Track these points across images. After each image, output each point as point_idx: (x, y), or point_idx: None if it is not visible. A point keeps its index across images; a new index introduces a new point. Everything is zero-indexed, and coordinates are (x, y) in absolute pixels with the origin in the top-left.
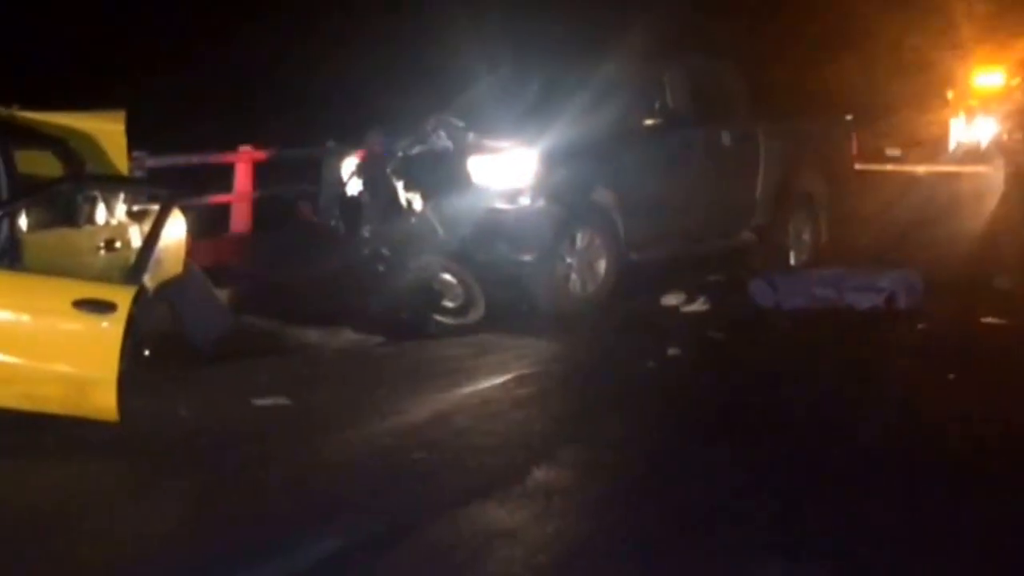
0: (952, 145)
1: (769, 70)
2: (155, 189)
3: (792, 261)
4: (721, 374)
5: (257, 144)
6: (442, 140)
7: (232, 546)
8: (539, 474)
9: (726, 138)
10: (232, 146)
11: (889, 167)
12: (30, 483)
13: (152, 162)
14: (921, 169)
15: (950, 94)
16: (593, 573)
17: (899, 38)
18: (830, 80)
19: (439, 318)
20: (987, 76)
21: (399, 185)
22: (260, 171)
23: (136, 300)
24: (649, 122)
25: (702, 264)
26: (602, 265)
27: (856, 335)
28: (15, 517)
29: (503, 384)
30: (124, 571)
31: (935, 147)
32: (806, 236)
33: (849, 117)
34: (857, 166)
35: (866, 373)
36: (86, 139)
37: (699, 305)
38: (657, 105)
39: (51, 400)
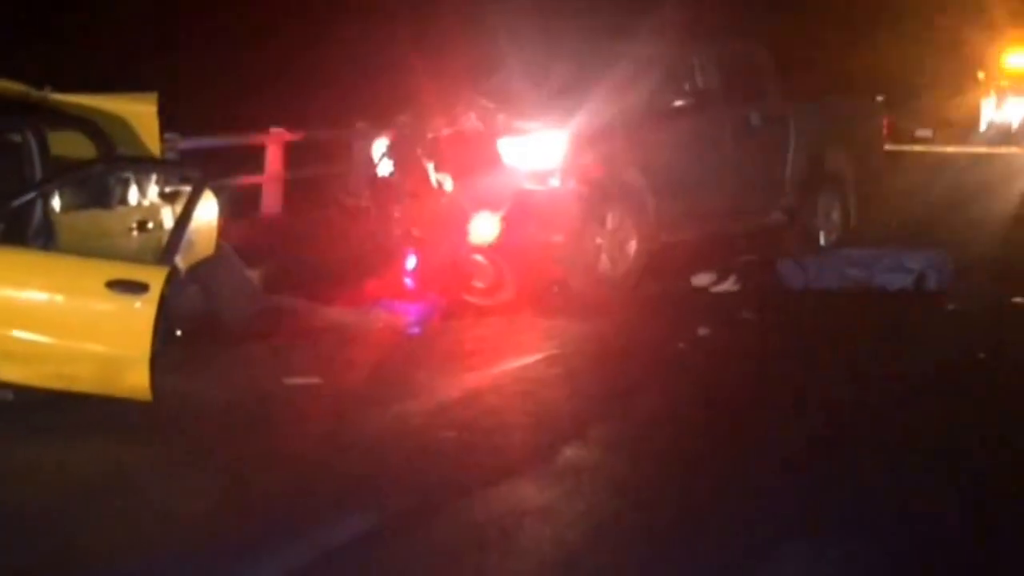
0: (983, 126)
1: (800, 50)
2: (187, 170)
3: (822, 242)
4: (751, 354)
5: (288, 125)
6: (473, 121)
7: (265, 523)
8: (569, 453)
9: (756, 119)
10: (263, 127)
11: (919, 148)
12: (65, 461)
13: (184, 144)
14: (951, 150)
15: (981, 75)
16: (622, 551)
17: (931, 18)
18: (862, 60)
19: (470, 298)
20: (1018, 57)
21: (430, 166)
22: (291, 152)
23: (168, 281)
24: (679, 103)
25: (732, 245)
26: (632, 246)
27: (886, 316)
28: (50, 495)
29: (533, 364)
30: (158, 548)
31: (966, 128)
32: (836, 217)
33: (880, 98)
34: (887, 147)
35: (895, 354)
36: (118, 121)
37: (729, 285)
38: (687, 86)
39: (85, 379)
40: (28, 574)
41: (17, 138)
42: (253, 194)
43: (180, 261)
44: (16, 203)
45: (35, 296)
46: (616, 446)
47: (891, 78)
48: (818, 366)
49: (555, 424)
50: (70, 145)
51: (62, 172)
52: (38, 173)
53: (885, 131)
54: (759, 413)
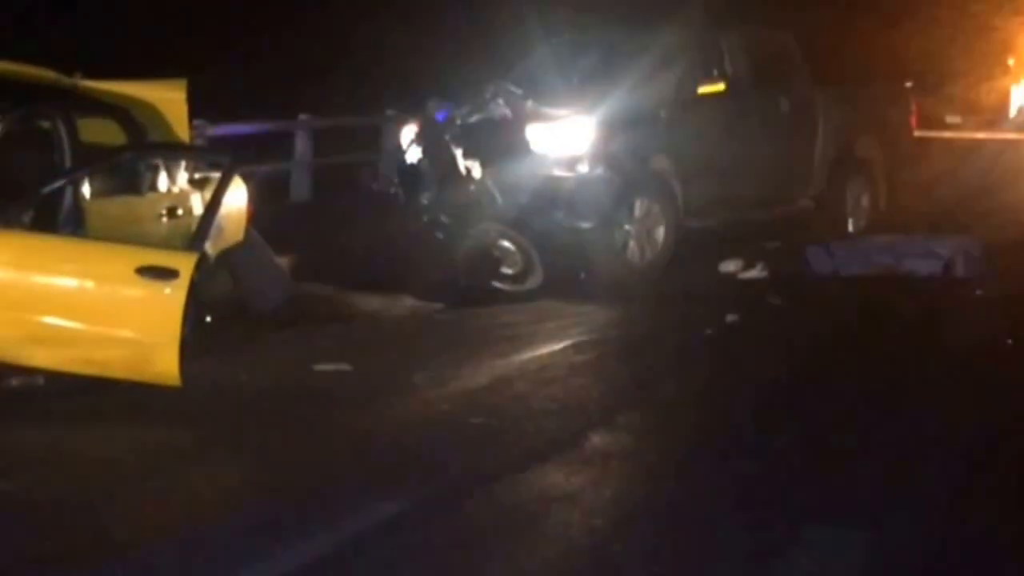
0: (1013, 112)
1: (828, 36)
2: (216, 157)
3: (850, 228)
4: (779, 341)
5: (317, 112)
6: (501, 108)
7: (294, 508)
8: (597, 439)
9: (784, 105)
10: (292, 115)
11: (949, 134)
12: (95, 446)
13: (213, 130)
14: (981, 136)
15: (1011, 61)
16: (649, 537)
17: (961, 5)
18: (891, 46)
19: (498, 285)
20: None
21: (458, 153)
22: (320, 139)
23: (198, 267)
24: (707, 89)
25: (760, 231)
26: (660, 232)
27: (914, 302)
28: (79, 479)
29: (561, 350)
30: (187, 530)
31: (995, 114)
32: (864, 203)
33: (909, 84)
34: (917, 133)
35: (923, 340)
36: (148, 108)
37: (757, 272)
38: (715, 72)
39: (114, 365)
40: (57, 558)
41: (47, 125)
42: (282, 181)
43: (209, 247)
44: (46, 190)
45: (65, 282)
46: (644, 432)
47: (921, 64)
48: (845, 352)
49: (583, 410)
50: (100, 132)
51: (92, 159)
52: (68, 160)
53: (914, 117)
54: (787, 398)
